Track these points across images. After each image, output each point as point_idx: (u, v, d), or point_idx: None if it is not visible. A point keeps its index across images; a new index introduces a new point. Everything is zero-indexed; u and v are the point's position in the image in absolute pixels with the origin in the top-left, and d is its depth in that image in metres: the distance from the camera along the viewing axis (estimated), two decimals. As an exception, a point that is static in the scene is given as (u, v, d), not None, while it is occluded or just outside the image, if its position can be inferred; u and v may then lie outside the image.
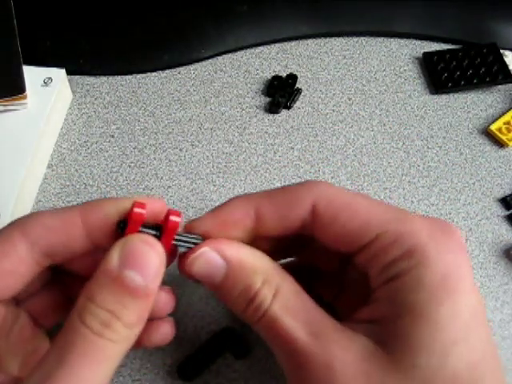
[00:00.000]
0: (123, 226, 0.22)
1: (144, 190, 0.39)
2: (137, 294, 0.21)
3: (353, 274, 0.27)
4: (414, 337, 0.21)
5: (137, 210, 0.22)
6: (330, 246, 0.25)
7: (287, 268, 0.25)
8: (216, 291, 0.24)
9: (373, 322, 0.23)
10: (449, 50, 0.47)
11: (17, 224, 0.23)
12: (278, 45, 0.47)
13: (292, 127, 0.43)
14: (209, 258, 0.24)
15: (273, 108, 0.43)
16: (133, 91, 0.44)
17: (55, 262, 0.24)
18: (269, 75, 0.46)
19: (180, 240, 0.24)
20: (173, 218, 0.23)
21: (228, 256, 0.24)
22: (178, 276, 0.36)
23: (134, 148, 0.42)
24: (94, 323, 0.20)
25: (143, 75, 0.45)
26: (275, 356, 0.24)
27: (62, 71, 0.42)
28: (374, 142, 0.43)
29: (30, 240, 0.22)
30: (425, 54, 0.47)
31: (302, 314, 0.23)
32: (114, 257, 0.21)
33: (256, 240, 0.25)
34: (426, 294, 0.22)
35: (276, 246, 0.27)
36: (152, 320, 0.25)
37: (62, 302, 0.27)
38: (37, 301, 0.26)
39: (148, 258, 0.21)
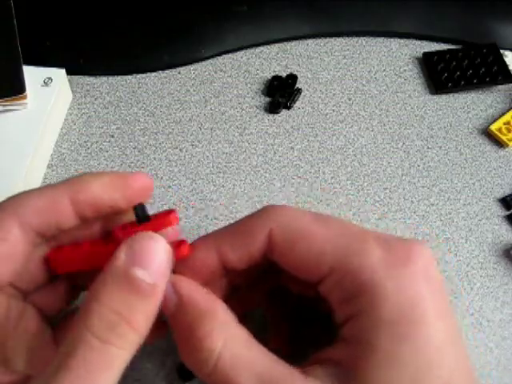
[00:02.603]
0: (143, 216, 0.23)
1: (144, 190, 0.39)
2: (145, 294, 0.20)
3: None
4: (375, 379, 0.20)
5: (173, 218, 0.23)
6: (294, 274, 0.24)
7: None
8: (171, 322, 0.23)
9: (335, 364, 0.22)
10: (449, 49, 0.47)
11: (8, 207, 0.23)
12: (277, 45, 0.47)
13: (292, 127, 0.43)
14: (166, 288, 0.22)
15: (273, 108, 0.43)
16: (133, 91, 0.44)
17: (46, 240, 0.24)
18: (269, 75, 0.46)
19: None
20: (186, 249, 0.23)
21: (180, 291, 0.23)
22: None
23: (133, 148, 0.42)
24: (99, 328, 0.19)
25: (143, 75, 0.45)
26: None
27: (62, 71, 0.42)
28: (374, 142, 0.43)
29: (23, 222, 0.23)
30: (425, 54, 0.47)
31: (253, 364, 0.21)
32: (122, 254, 0.20)
33: (228, 274, 0.25)
34: (386, 333, 0.21)
35: (249, 275, 0.26)
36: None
37: (68, 291, 0.26)
38: (43, 293, 0.25)
39: (156, 255, 0.21)
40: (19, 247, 0.23)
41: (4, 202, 0.23)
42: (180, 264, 0.24)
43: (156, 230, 0.22)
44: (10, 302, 0.24)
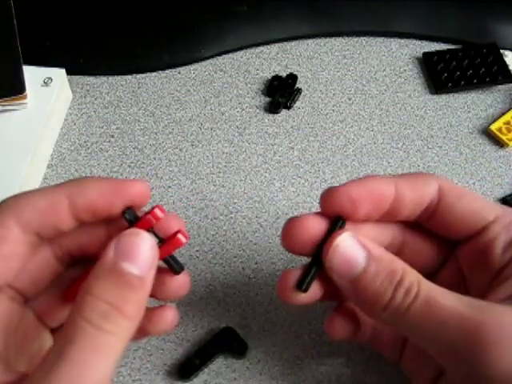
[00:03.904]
0: (132, 219, 0.24)
1: (144, 189, 0.39)
2: (133, 284, 0.21)
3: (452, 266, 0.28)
4: None
5: (158, 211, 0.24)
6: (447, 230, 0.27)
7: None
8: (351, 285, 0.24)
9: None
10: (449, 49, 0.47)
11: (9, 207, 0.23)
12: (277, 45, 0.47)
13: (292, 127, 0.43)
14: (349, 246, 0.24)
15: (273, 108, 0.43)
16: (133, 91, 0.44)
17: (43, 242, 0.24)
18: (269, 75, 0.46)
19: (173, 259, 0.25)
20: (181, 237, 0.24)
21: (368, 245, 0.24)
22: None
23: (133, 148, 0.42)
24: (93, 316, 0.20)
25: (143, 75, 0.45)
26: (431, 346, 0.23)
27: (62, 71, 0.42)
28: (374, 142, 0.43)
29: (23, 223, 0.23)
30: (425, 54, 0.47)
31: (450, 293, 0.23)
32: (110, 250, 0.22)
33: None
34: None
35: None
36: (156, 307, 0.26)
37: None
38: (44, 299, 0.26)
39: (142, 250, 0.22)
40: (19, 247, 0.23)
41: (4, 201, 0.24)
42: (362, 188, 0.25)
43: (145, 227, 0.23)
44: (10, 303, 0.24)
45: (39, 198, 0.24)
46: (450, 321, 0.22)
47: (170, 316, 0.26)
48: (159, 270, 0.24)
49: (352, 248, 0.24)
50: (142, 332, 0.25)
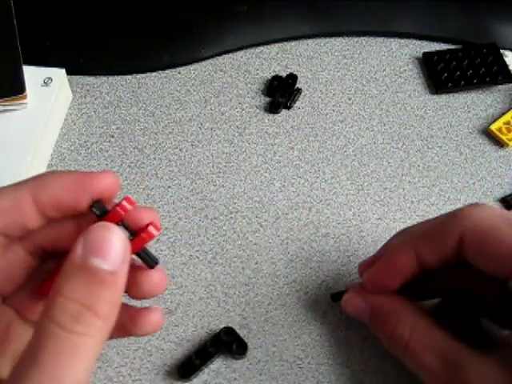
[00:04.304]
0: (101, 212, 0.22)
1: (144, 189, 0.39)
2: (105, 281, 0.20)
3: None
4: None
5: (125, 203, 0.22)
6: (484, 271, 0.27)
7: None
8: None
9: None
10: (449, 49, 0.47)
11: None
12: (277, 45, 0.47)
13: (292, 127, 0.43)
14: (355, 301, 0.31)
15: (273, 108, 0.43)
16: (133, 91, 0.44)
17: (13, 240, 0.24)
18: (269, 75, 0.46)
19: (145, 253, 0.23)
20: (152, 230, 0.23)
21: (369, 301, 0.31)
22: (178, 276, 0.36)
23: (133, 148, 0.42)
24: (63, 318, 0.19)
25: (143, 75, 0.45)
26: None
27: (62, 71, 0.42)
28: (374, 142, 0.43)
29: None
30: (425, 53, 0.47)
31: (436, 346, 0.27)
32: (79, 247, 0.20)
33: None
34: None
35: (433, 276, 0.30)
36: (141, 308, 0.25)
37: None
38: (23, 293, 0.25)
39: (112, 244, 0.21)
40: None
41: None
42: (384, 266, 0.30)
43: (114, 221, 0.22)
44: None
45: (1, 197, 0.23)
46: (425, 376, 0.28)
47: (154, 318, 0.25)
48: (133, 267, 0.23)
49: (356, 304, 0.32)
50: (124, 332, 0.24)
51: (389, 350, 0.30)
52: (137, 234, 0.23)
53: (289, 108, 0.44)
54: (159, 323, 0.26)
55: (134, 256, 0.23)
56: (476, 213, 0.28)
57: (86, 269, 0.20)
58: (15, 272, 0.24)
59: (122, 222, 0.22)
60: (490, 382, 0.24)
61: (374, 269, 0.31)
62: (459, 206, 0.40)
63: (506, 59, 0.46)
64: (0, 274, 0.24)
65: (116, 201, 0.24)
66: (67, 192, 0.23)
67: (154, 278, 0.24)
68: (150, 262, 0.23)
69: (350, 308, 0.32)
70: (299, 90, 0.44)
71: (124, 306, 0.24)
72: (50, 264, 0.25)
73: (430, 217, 0.32)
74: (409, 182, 0.41)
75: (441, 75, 0.46)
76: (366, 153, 0.42)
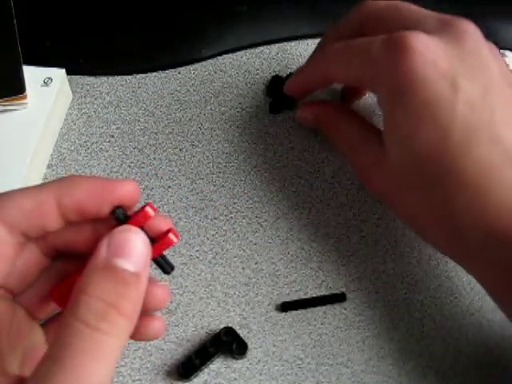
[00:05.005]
0: (123, 218, 0.23)
1: (144, 189, 0.39)
2: (129, 281, 0.21)
3: None
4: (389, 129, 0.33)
5: (149, 210, 0.23)
6: None
7: None
8: None
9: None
10: (449, 50, 0.47)
11: None
12: (277, 45, 0.47)
13: (292, 127, 0.43)
14: (305, 114, 0.41)
15: (273, 108, 0.43)
16: (133, 91, 0.44)
17: (29, 240, 0.24)
18: (269, 75, 0.46)
19: (163, 259, 0.24)
20: (172, 237, 0.24)
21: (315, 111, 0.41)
22: (178, 276, 0.36)
23: (133, 148, 0.42)
24: (88, 316, 0.20)
25: (143, 75, 0.45)
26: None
27: (62, 71, 0.42)
28: (374, 142, 0.43)
29: (9, 224, 0.23)
30: (425, 54, 0.47)
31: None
32: (103, 247, 0.21)
33: None
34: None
35: None
36: (145, 314, 0.25)
37: None
38: (33, 292, 0.25)
39: (135, 246, 0.21)
40: (6, 249, 0.23)
41: None
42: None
43: (136, 226, 0.23)
44: (1, 304, 0.23)
45: (25, 198, 0.23)
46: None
47: (156, 326, 0.25)
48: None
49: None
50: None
51: (335, 145, 0.39)
52: (156, 240, 0.24)
53: (290, 108, 0.43)
54: (161, 331, 0.26)
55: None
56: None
57: (111, 269, 0.21)
58: (29, 271, 0.25)
59: (142, 228, 0.23)
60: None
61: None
62: (459, 206, 0.40)
63: (506, 59, 0.46)
64: (16, 273, 0.24)
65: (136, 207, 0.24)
66: (90, 197, 0.23)
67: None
68: (167, 267, 0.24)
69: (303, 120, 0.41)
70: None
71: None
72: (59, 264, 0.26)
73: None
74: (409, 182, 0.41)
75: (441, 75, 0.46)
76: (366, 153, 0.42)
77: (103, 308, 0.20)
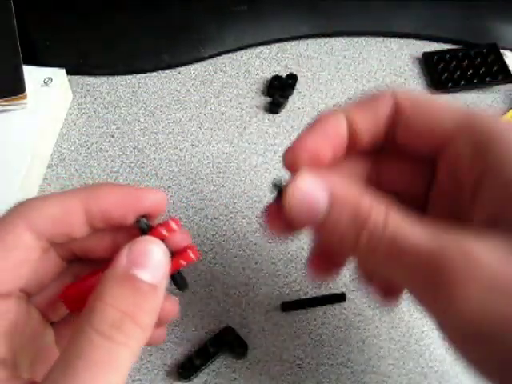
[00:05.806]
0: (146, 228, 0.23)
1: (144, 190, 0.39)
2: (147, 293, 0.20)
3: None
4: None
5: (172, 223, 0.23)
6: (414, 146, 0.25)
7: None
8: (317, 230, 0.23)
9: (494, 222, 0.21)
10: (449, 49, 0.47)
11: (20, 214, 0.23)
12: (277, 45, 0.47)
13: (292, 127, 0.43)
14: (308, 189, 0.22)
15: (273, 108, 0.43)
16: (133, 91, 0.44)
17: (55, 246, 0.24)
18: (269, 75, 0.46)
19: (179, 276, 0.24)
20: (192, 255, 0.24)
21: (330, 184, 0.22)
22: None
23: (133, 148, 0.42)
24: (103, 325, 0.19)
25: (143, 75, 0.45)
26: (405, 285, 0.23)
27: (62, 71, 0.42)
28: (374, 142, 0.43)
29: (36, 230, 0.23)
30: (425, 53, 0.47)
31: (419, 224, 0.21)
32: (123, 257, 0.21)
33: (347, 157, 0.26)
34: None
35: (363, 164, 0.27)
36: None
37: None
38: (47, 294, 0.25)
39: (156, 257, 0.21)
40: (31, 254, 0.23)
41: (16, 207, 0.23)
42: (312, 130, 0.26)
43: (158, 237, 0.23)
44: (18, 307, 0.23)
45: (53, 205, 0.23)
46: (414, 259, 0.20)
47: (159, 333, 0.25)
48: None
49: (312, 191, 0.22)
50: None
51: (349, 255, 0.25)
52: (175, 255, 0.23)
53: (282, 100, 0.43)
54: (163, 338, 0.26)
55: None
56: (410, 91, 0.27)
57: (129, 279, 0.20)
58: (47, 274, 0.25)
59: (163, 241, 0.23)
60: (490, 248, 0.20)
61: (301, 135, 0.27)
62: (459, 206, 0.40)
63: (506, 59, 0.46)
64: (35, 276, 0.24)
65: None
66: (118, 206, 0.23)
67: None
68: (182, 285, 0.24)
69: (300, 197, 0.22)
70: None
71: None
72: (75, 268, 0.26)
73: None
74: (409, 182, 0.41)
75: (441, 75, 0.46)
76: (366, 153, 0.42)
77: (120, 318, 0.20)
